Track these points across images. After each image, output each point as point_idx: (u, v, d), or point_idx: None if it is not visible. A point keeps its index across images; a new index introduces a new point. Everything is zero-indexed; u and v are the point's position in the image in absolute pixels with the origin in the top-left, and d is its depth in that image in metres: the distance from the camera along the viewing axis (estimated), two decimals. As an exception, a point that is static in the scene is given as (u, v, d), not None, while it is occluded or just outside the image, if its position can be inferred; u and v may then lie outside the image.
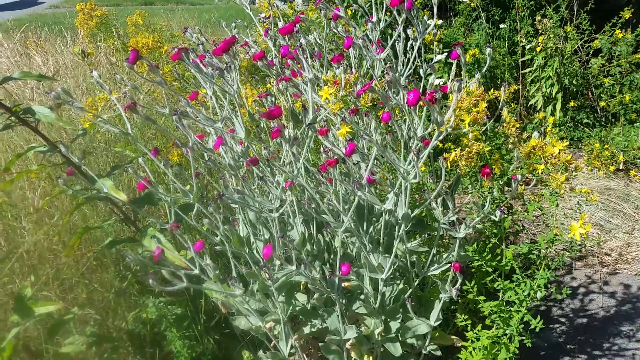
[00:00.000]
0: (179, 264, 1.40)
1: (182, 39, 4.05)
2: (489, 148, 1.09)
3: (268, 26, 1.56)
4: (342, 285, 1.32)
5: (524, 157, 1.13)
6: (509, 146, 1.24)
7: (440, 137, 1.00)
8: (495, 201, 1.20)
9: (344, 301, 1.44)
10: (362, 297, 1.49)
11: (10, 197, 1.89)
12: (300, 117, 1.43)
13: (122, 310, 1.74)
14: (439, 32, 3.45)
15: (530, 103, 3.86)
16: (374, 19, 1.32)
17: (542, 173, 1.12)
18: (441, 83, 3.59)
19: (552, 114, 3.76)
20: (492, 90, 1.30)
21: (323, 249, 1.47)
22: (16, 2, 16.09)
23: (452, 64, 3.77)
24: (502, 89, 1.30)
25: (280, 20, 1.81)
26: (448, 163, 1.10)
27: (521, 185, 1.25)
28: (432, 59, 3.56)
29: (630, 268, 2.50)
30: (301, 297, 1.58)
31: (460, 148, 1.09)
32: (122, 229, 1.89)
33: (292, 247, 1.18)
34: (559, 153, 1.06)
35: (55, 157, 1.62)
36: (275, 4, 4.17)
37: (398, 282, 1.47)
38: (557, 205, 1.16)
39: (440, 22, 3.73)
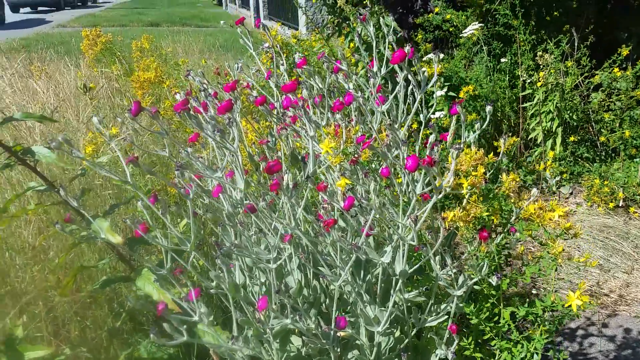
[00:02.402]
0: (171, 307, 1.38)
1: (187, 66, 4.08)
2: (487, 213, 1.09)
3: (270, 70, 1.56)
4: (338, 334, 1.30)
5: (523, 220, 1.13)
6: (510, 200, 1.23)
7: (440, 197, 0.99)
8: (493, 264, 1.20)
9: (338, 349, 1.42)
10: (358, 342, 1.47)
11: (5, 233, 1.88)
12: (299, 156, 1.43)
13: (115, 349, 1.72)
14: (439, 66, 3.47)
15: (530, 136, 3.87)
16: (375, 68, 1.33)
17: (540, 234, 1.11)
18: (442, 116, 3.61)
19: (552, 148, 3.77)
20: (491, 154, 1.30)
21: (319, 295, 1.46)
22: (23, 21, 16.28)
23: (452, 96, 3.80)
24: (502, 140, 1.30)
25: (282, 59, 1.83)
26: (446, 223, 1.10)
27: (520, 244, 1.24)
28: (432, 92, 3.58)
29: (629, 310, 2.47)
30: (296, 341, 1.56)
31: (459, 208, 1.09)
32: (117, 266, 1.88)
33: (287, 295, 1.17)
34: (558, 219, 1.06)
35: (53, 193, 1.61)
36: (275, 33, 4.21)
37: (394, 330, 1.45)
38: (556, 270, 1.15)
39: (441, 55, 3.76)
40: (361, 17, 1.56)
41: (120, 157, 1.12)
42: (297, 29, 8.68)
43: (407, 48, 1.10)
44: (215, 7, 26.28)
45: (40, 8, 22.46)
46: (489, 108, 1.17)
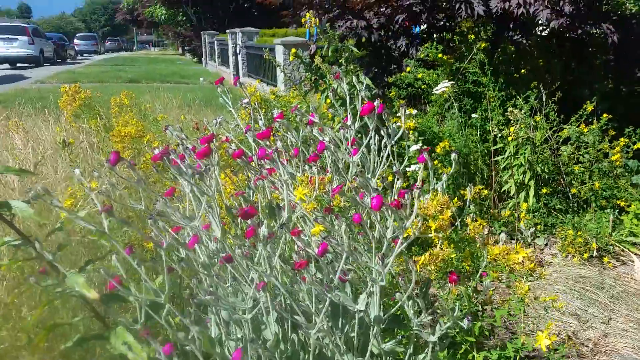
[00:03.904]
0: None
1: (166, 121, 4.13)
2: (454, 255, 1.12)
3: (248, 125, 1.61)
4: (316, 388, 1.29)
5: (491, 262, 1.16)
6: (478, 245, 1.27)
7: (409, 241, 1.02)
8: (464, 307, 1.22)
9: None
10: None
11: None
12: (276, 206, 1.45)
13: (87, 411, 1.65)
14: (413, 121, 3.59)
15: (503, 189, 3.96)
16: (349, 122, 1.38)
17: (507, 278, 1.14)
18: (417, 169, 3.68)
19: (526, 200, 3.85)
20: (455, 199, 1.34)
21: (298, 349, 1.44)
22: (1, 77, 16.37)
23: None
24: (468, 190, 1.34)
25: (260, 115, 1.88)
26: (418, 266, 1.12)
27: (491, 290, 1.27)
28: (407, 146, 3.67)
29: (608, 360, 2.48)
30: (274, 397, 1.52)
31: (429, 252, 1.12)
32: (91, 324, 1.83)
33: (264, 348, 1.16)
34: (522, 261, 1.09)
35: (28, 250, 1.59)
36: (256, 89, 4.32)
37: (373, 383, 1.44)
38: (524, 312, 1.17)
39: (414, 111, 3.89)
40: (335, 74, 1.64)
41: (99, 207, 1.13)
42: (275, 86, 8.88)
43: (376, 102, 1.16)
44: (195, 64, 26.76)
45: (19, 64, 22.62)
46: (453, 155, 1.22)
